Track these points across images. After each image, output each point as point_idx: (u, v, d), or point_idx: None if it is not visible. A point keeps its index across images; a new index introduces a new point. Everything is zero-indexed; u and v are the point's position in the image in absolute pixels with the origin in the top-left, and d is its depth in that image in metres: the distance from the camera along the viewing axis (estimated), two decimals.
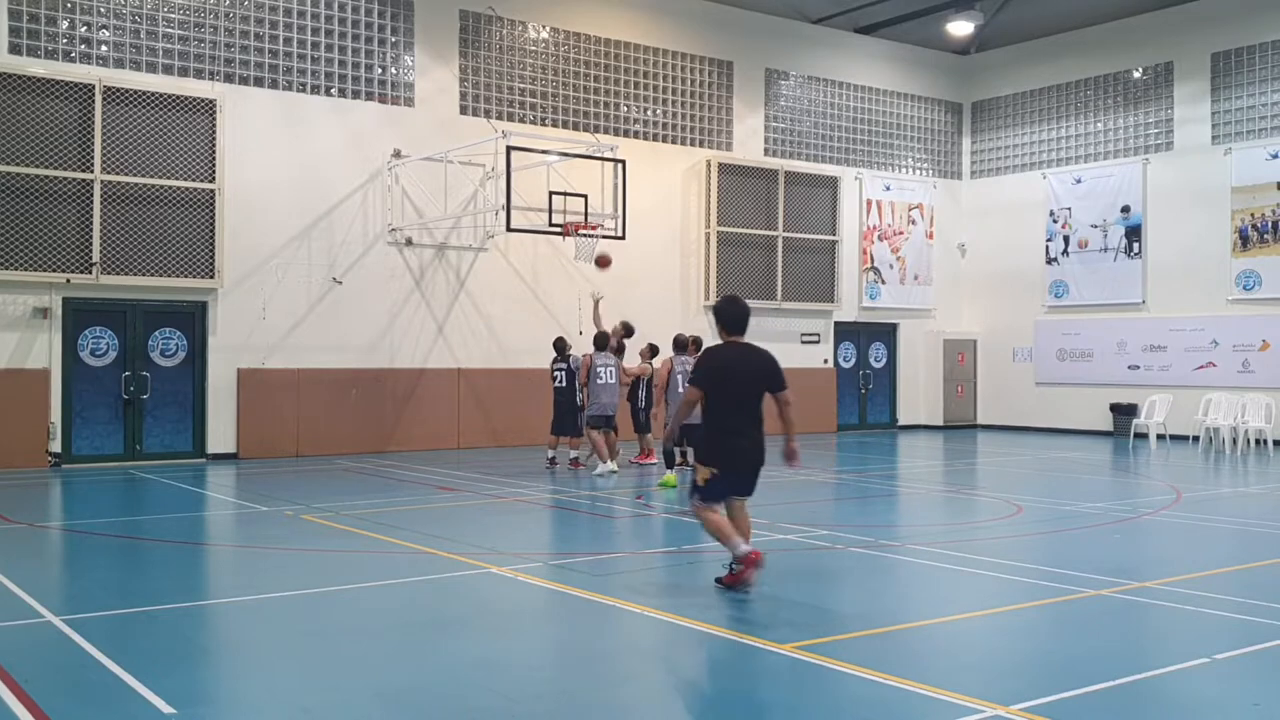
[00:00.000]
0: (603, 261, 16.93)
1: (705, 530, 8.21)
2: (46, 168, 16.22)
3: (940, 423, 25.74)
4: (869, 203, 25.03)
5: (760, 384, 8.17)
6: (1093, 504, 13.01)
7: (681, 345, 15.23)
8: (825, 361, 24.36)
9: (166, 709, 5.46)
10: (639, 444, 17.14)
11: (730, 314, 8.27)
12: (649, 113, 22.11)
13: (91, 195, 16.49)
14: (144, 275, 16.90)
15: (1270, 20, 21.60)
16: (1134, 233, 23.47)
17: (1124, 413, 22.87)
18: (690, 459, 14.95)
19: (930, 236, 26.00)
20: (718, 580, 8.16)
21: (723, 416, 8.07)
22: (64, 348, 16.60)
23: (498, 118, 19.97)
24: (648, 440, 17.07)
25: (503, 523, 12.01)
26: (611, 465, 15.56)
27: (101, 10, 16.90)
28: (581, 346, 17.61)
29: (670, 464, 14.75)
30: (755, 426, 8.16)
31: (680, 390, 14.67)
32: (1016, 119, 25.80)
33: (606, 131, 21.14)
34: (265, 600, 8.19)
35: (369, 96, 19.05)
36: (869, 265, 25.03)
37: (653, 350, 17.30)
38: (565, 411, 16.47)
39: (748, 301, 8.70)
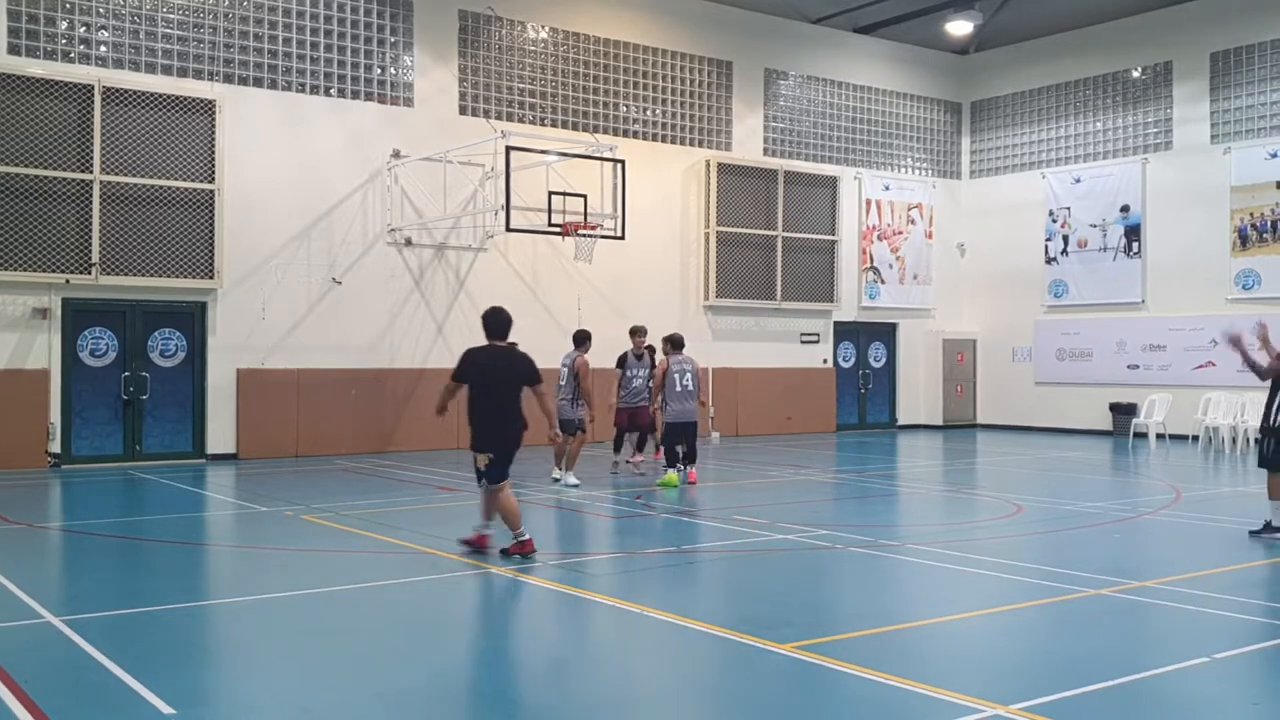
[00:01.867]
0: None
1: (499, 511, 9.47)
2: (46, 168, 16.21)
3: (940, 423, 25.74)
4: (868, 202, 25.03)
5: (516, 380, 9.56)
6: (1093, 504, 13.02)
7: (678, 344, 15.13)
8: (825, 361, 24.35)
9: (166, 709, 5.46)
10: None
11: (493, 322, 9.65)
12: (648, 113, 22.11)
13: (91, 196, 16.48)
14: (143, 275, 16.90)
15: (1269, 20, 21.61)
16: (1133, 232, 23.48)
17: (1124, 412, 22.88)
18: (688, 458, 15.10)
19: (930, 236, 26.00)
20: (503, 551, 9.44)
21: (486, 408, 9.41)
22: (63, 348, 16.59)
23: (497, 118, 19.97)
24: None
25: (503, 523, 11.98)
26: (572, 478, 14.59)
27: (101, 10, 16.90)
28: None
29: (671, 462, 14.79)
30: (513, 416, 9.54)
31: (678, 389, 14.63)
32: (1016, 119, 25.80)
33: (606, 131, 21.14)
34: (265, 600, 8.19)
35: (369, 97, 19.05)
36: (868, 265, 25.03)
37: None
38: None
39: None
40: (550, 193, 16.91)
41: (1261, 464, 10.70)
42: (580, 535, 11.79)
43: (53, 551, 10.52)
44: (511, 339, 9.87)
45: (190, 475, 15.84)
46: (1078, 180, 24.42)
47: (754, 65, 23.48)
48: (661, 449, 15.40)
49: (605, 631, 7.47)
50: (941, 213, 26.17)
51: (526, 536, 9.43)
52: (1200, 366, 22.20)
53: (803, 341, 23.99)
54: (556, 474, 14.81)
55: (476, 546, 9.58)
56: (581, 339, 15.13)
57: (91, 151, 16.46)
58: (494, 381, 9.44)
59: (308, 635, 7.13)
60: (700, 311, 22.41)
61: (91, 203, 16.47)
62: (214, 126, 17.36)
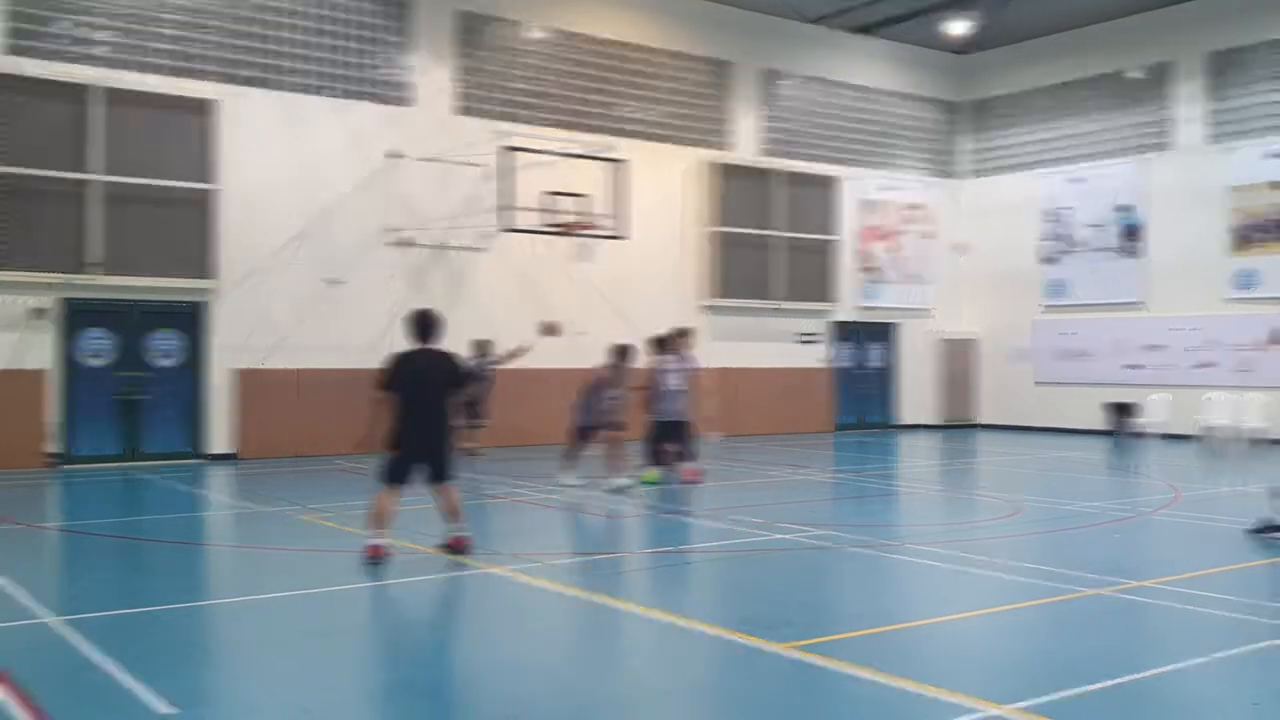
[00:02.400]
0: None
1: (372, 509, 9.29)
2: (45, 168, 16.20)
3: (939, 422, 25.74)
4: (868, 203, 25.03)
5: (444, 383, 9.42)
6: (1092, 503, 13.02)
7: (665, 344, 15.00)
8: (825, 361, 24.35)
9: (166, 709, 5.46)
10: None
11: (420, 324, 9.51)
12: (648, 113, 22.10)
13: (90, 196, 16.47)
14: (143, 276, 16.89)
15: (1267, 20, 21.62)
16: (1132, 232, 23.49)
17: (1123, 412, 22.89)
18: (679, 457, 15.08)
19: (929, 236, 26.00)
20: (444, 548, 9.47)
21: (410, 410, 9.23)
22: (63, 348, 16.59)
23: (497, 118, 19.96)
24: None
25: (503, 523, 12.01)
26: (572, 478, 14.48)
27: (100, 11, 16.89)
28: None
29: (653, 462, 14.87)
30: (439, 419, 9.39)
31: (665, 389, 14.55)
32: (1014, 119, 25.80)
33: (606, 131, 21.13)
34: (265, 600, 8.19)
35: (368, 97, 19.04)
36: (868, 265, 25.03)
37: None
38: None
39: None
40: (550, 193, 16.92)
41: None
42: (580, 535, 11.79)
43: (53, 551, 10.53)
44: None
45: (189, 475, 15.84)
46: (1076, 180, 24.42)
47: (753, 65, 23.48)
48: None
49: (605, 631, 7.47)
50: (941, 213, 26.17)
51: (373, 543, 9.16)
52: (1199, 366, 22.21)
53: (802, 341, 23.98)
54: (617, 481, 14.08)
55: (456, 549, 9.49)
56: (616, 352, 14.66)
57: (91, 152, 16.45)
58: (422, 384, 9.26)
59: (308, 635, 7.13)
60: (700, 311, 22.40)
61: (91, 203, 16.46)
62: (214, 127, 17.35)
